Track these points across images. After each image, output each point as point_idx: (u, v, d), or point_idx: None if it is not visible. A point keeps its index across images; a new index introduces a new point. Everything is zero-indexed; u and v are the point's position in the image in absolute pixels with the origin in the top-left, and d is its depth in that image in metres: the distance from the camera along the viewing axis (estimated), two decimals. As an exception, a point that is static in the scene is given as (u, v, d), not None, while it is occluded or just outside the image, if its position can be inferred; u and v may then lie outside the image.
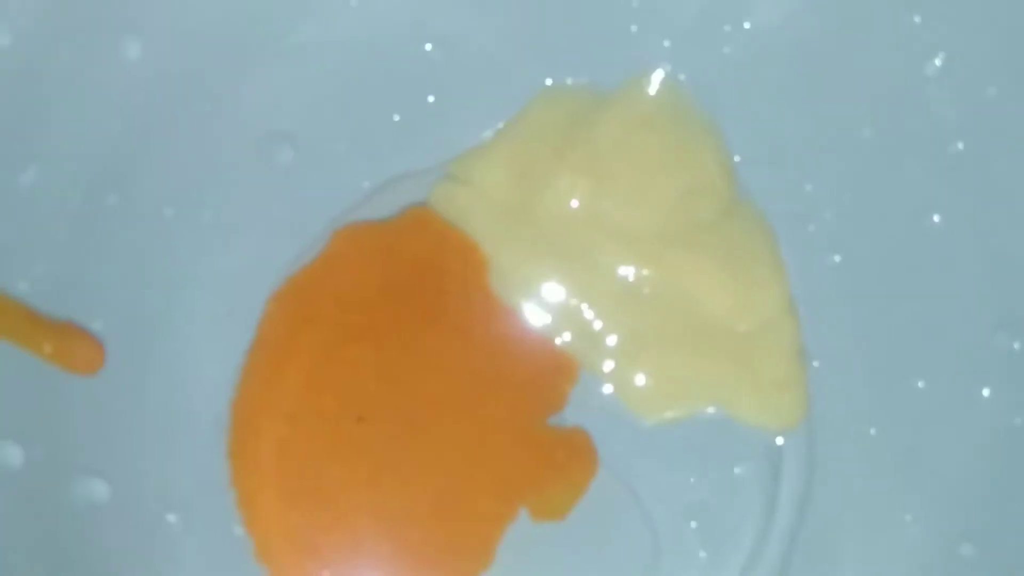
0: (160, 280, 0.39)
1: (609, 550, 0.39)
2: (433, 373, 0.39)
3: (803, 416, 0.40)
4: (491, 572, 0.38)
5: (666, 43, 0.40)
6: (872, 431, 0.39)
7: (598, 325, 0.40)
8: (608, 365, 0.40)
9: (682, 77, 0.40)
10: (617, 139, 0.40)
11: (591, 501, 0.39)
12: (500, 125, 0.40)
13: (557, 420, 0.39)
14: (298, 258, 0.40)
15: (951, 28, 0.38)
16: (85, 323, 0.38)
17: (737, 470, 0.40)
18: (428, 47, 0.40)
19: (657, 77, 0.40)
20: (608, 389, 0.40)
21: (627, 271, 0.40)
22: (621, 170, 0.40)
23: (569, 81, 0.40)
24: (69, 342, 0.37)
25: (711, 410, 0.40)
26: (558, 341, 0.40)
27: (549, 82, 0.40)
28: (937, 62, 0.38)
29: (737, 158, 0.40)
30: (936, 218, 0.39)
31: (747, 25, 0.40)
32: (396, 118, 0.40)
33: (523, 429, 0.39)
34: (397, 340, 0.39)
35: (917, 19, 0.38)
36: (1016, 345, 0.39)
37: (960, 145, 0.38)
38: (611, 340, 0.40)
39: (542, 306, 0.40)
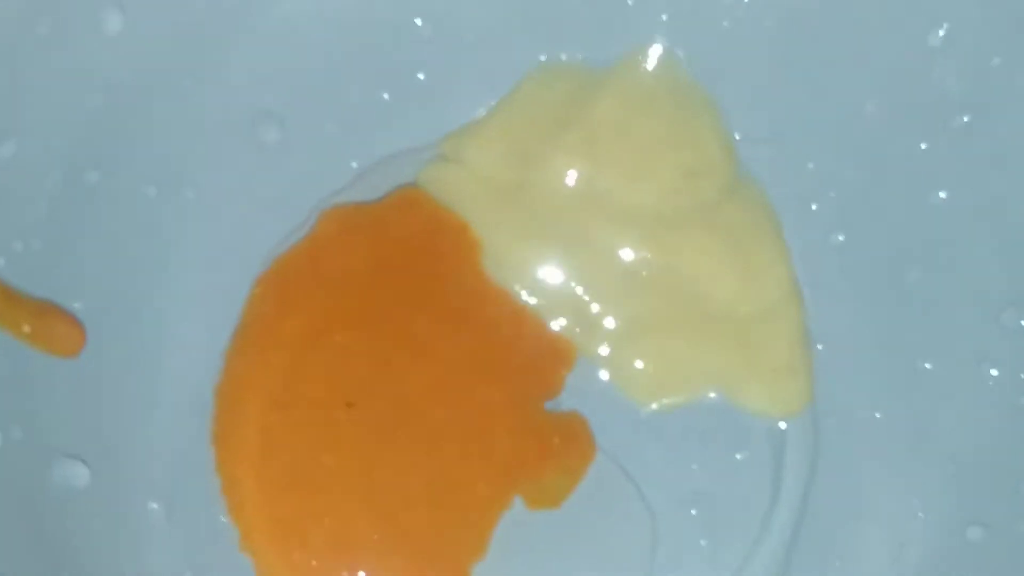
0: (142, 260, 0.39)
1: (606, 539, 0.39)
2: (424, 358, 0.39)
3: (807, 402, 0.39)
4: (485, 561, 0.38)
5: (663, 17, 0.39)
6: (877, 414, 0.39)
7: (596, 308, 0.39)
8: (605, 350, 0.39)
9: (680, 52, 0.40)
10: (614, 116, 0.39)
11: (588, 488, 0.38)
12: (493, 103, 0.40)
13: (553, 405, 0.39)
14: (284, 240, 0.39)
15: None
16: (65, 303, 0.37)
17: (739, 456, 0.39)
18: (418, 22, 0.39)
19: (655, 52, 0.40)
20: (606, 375, 0.39)
21: (625, 253, 0.39)
22: (618, 148, 0.39)
23: (564, 57, 0.40)
24: (49, 322, 0.37)
25: (712, 395, 0.39)
26: (554, 325, 0.39)
27: (543, 58, 0.40)
28: (940, 32, 0.38)
29: (737, 136, 0.40)
30: (942, 194, 0.39)
31: (746, -2, 0.39)
32: (385, 96, 0.40)
33: (518, 415, 0.39)
34: (387, 324, 0.39)
35: (919, -11, 0.38)
36: (1024, 323, 0.38)
37: (965, 118, 0.38)
38: (609, 324, 0.39)
39: (537, 289, 0.39)
